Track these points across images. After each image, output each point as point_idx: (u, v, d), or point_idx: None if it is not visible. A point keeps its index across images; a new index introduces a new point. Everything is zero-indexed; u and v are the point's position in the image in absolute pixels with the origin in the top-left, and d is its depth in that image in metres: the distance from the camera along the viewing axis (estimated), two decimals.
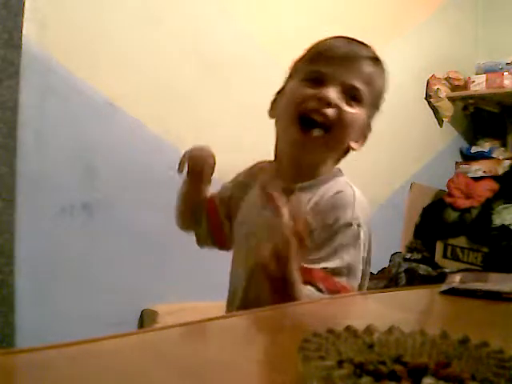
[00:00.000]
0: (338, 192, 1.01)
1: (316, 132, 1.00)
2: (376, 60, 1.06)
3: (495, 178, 3.06)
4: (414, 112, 3.16)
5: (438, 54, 3.23)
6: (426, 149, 3.22)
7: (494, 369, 0.41)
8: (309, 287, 0.92)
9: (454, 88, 3.26)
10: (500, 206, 2.82)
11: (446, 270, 2.46)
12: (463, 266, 2.79)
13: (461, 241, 2.91)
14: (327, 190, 1.03)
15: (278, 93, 1.11)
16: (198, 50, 2.25)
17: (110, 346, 0.59)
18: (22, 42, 1.79)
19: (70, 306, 1.91)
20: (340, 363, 0.42)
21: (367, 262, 1.06)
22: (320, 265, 0.95)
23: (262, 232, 1.02)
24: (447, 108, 3.27)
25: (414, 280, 2.61)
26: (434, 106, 3.24)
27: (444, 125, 3.31)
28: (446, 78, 3.25)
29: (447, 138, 3.35)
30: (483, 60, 3.33)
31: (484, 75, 3.19)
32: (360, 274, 1.00)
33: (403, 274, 2.68)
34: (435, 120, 3.28)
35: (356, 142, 1.09)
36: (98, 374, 0.50)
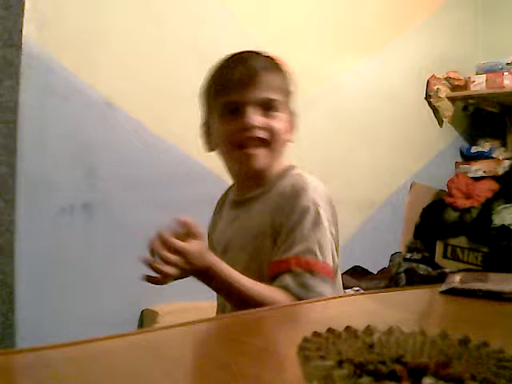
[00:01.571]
0: (291, 185, 1.07)
1: (258, 163, 1.08)
2: (269, 63, 1.12)
3: (495, 178, 3.06)
4: (413, 112, 3.16)
5: (438, 53, 3.24)
6: (425, 149, 3.22)
7: (494, 369, 0.41)
8: (286, 277, 0.97)
9: (453, 88, 3.26)
10: (500, 206, 2.82)
11: (446, 270, 2.46)
12: (463, 266, 2.79)
13: (461, 241, 2.91)
14: (281, 188, 1.09)
15: (204, 126, 1.20)
16: (198, 49, 2.25)
17: (110, 346, 0.59)
18: (22, 42, 1.79)
19: (69, 306, 1.91)
20: (340, 363, 0.42)
21: (335, 238, 1.10)
22: (291, 252, 1.00)
23: (233, 248, 1.11)
24: (447, 108, 3.27)
25: (413, 280, 2.61)
26: (434, 106, 3.24)
27: (444, 125, 3.31)
28: (446, 78, 3.25)
29: (447, 138, 3.35)
30: (483, 60, 3.33)
31: (484, 75, 3.19)
32: (331, 250, 1.04)
33: (403, 274, 2.68)
34: (435, 120, 3.28)
35: (288, 133, 1.15)
36: (98, 373, 0.50)
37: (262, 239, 1.06)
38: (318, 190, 1.06)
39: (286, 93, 1.12)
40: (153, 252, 0.99)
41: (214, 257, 0.96)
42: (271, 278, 1.00)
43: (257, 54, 1.13)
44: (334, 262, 1.05)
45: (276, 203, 1.07)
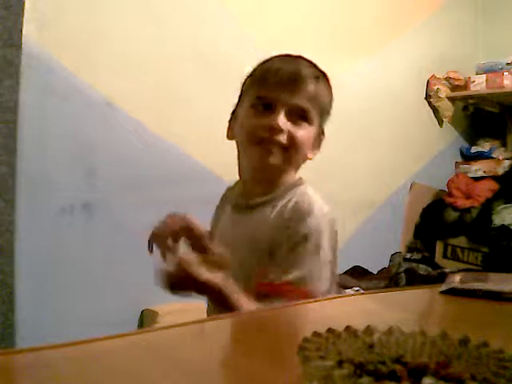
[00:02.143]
0: (296, 203, 1.05)
1: (272, 160, 1.06)
2: (317, 76, 1.09)
3: (495, 178, 3.06)
4: (414, 112, 3.16)
5: (438, 53, 3.23)
6: (425, 149, 3.22)
7: (494, 369, 0.41)
8: (273, 301, 0.95)
9: (453, 88, 3.26)
10: (500, 206, 2.82)
11: (446, 270, 2.46)
12: (463, 266, 2.79)
13: (461, 241, 2.91)
14: (287, 202, 1.07)
15: (233, 113, 1.16)
16: (198, 50, 2.25)
17: (110, 346, 0.59)
18: (22, 42, 1.79)
19: (69, 306, 1.91)
20: (340, 363, 0.42)
21: (334, 264, 1.07)
22: (284, 277, 0.98)
23: (236, 253, 1.08)
24: (447, 108, 3.27)
25: (414, 280, 2.61)
26: (434, 106, 3.24)
27: (444, 125, 3.31)
28: (446, 78, 3.25)
29: (447, 138, 3.35)
30: (483, 60, 3.33)
31: (484, 75, 3.19)
32: (326, 280, 1.02)
33: (403, 274, 2.68)
34: (435, 120, 3.28)
35: (311, 150, 1.13)
36: (98, 374, 0.50)
37: (255, 253, 1.05)
38: (323, 216, 1.04)
39: (323, 110, 1.10)
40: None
41: (227, 283, 0.94)
42: (260, 296, 0.98)
43: (311, 62, 1.11)
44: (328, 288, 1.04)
45: (278, 222, 1.04)
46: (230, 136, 1.15)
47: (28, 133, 1.83)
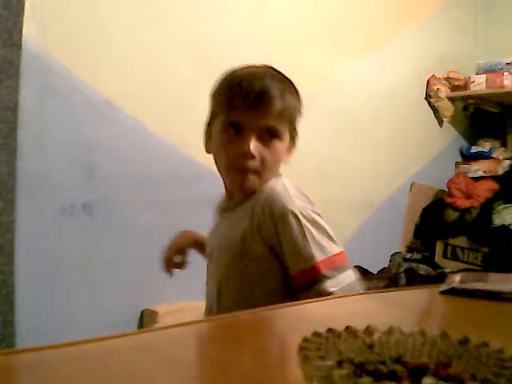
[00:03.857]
0: (267, 196, 1.08)
1: (248, 186, 1.09)
2: (284, 89, 1.09)
3: (495, 178, 3.06)
4: (413, 112, 3.16)
5: (438, 53, 3.24)
6: (426, 149, 3.22)
7: (494, 369, 0.41)
8: (321, 283, 1.01)
9: (453, 88, 3.27)
10: (500, 206, 2.82)
11: (446, 270, 2.46)
12: (463, 266, 2.79)
13: (461, 241, 2.91)
14: (260, 196, 1.09)
15: (207, 126, 1.18)
16: (198, 49, 2.25)
17: (110, 346, 0.59)
18: (22, 42, 1.79)
19: (70, 306, 1.91)
20: (340, 363, 0.42)
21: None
22: (311, 260, 1.03)
23: (218, 250, 1.14)
24: (447, 108, 3.27)
25: (414, 280, 2.61)
26: (433, 106, 3.24)
27: (444, 125, 3.31)
28: (445, 78, 3.25)
29: (447, 138, 3.35)
30: (483, 60, 3.33)
31: (484, 75, 3.19)
32: (339, 244, 1.09)
33: (403, 274, 2.68)
34: (435, 120, 3.28)
35: (286, 156, 1.15)
36: (98, 373, 0.50)
37: (245, 244, 1.07)
38: (293, 194, 1.08)
39: (293, 119, 1.12)
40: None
41: None
42: (301, 288, 1.03)
43: (273, 73, 1.11)
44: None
45: (256, 211, 1.07)
46: (207, 150, 1.18)
47: (28, 133, 1.83)
